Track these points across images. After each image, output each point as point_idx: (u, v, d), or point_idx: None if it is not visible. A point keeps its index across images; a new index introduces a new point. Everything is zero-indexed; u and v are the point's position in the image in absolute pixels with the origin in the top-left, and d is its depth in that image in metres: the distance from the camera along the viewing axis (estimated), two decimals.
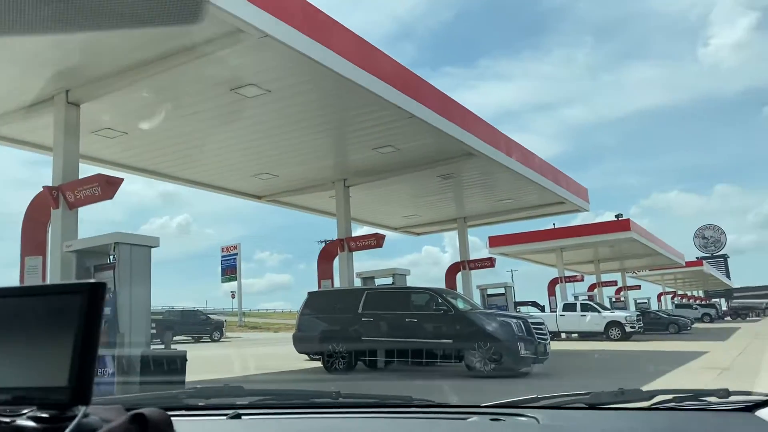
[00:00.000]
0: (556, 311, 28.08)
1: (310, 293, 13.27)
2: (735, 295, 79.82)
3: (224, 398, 1.68)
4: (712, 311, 52.79)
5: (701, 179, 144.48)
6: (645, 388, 1.53)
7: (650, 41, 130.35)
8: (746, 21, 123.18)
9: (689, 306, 52.69)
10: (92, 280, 0.82)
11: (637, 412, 1.41)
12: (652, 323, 32.35)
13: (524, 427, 1.32)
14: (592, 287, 36.91)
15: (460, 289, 20.79)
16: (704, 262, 55.35)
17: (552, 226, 30.66)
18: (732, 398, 1.40)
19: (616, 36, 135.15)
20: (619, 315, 26.61)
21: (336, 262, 15.50)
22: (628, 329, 26.04)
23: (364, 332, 11.93)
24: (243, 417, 1.44)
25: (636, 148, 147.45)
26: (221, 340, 36.86)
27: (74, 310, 0.78)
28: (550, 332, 28.69)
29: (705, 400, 1.43)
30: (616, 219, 28.27)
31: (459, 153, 13.90)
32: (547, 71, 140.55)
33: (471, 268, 21.14)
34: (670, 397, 1.46)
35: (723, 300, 77.14)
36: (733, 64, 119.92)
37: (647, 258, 37.65)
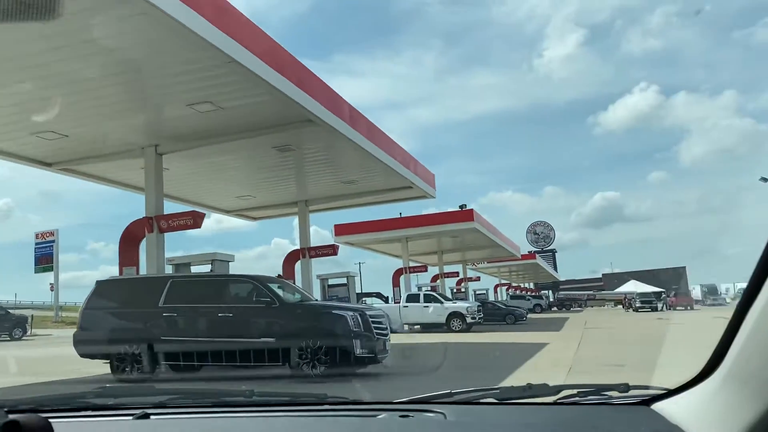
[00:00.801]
0: (399, 302, 27.22)
1: (98, 282, 10.55)
2: (561, 287, 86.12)
3: (134, 397, 1.65)
4: (543, 302, 56.01)
5: (533, 181, 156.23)
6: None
7: (492, 49, 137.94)
8: (576, 36, 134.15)
9: (523, 297, 55.39)
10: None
11: (543, 406, 1.46)
12: (491, 314, 32.81)
13: (431, 423, 1.34)
14: (435, 278, 36.84)
15: (298, 280, 18.87)
16: (536, 255, 58.53)
17: (399, 215, 29.78)
18: (631, 392, 1.47)
19: (462, 42, 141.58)
20: (461, 306, 26.27)
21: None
22: (469, 320, 25.78)
23: (164, 330, 9.54)
24: (151, 417, 1.41)
25: (477, 150, 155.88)
26: (24, 338, 31.75)
27: None
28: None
29: (606, 395, 1.49)
30: (460, 209, 28.00)
31: (296, 119, 11.93)
32: (398, 71, 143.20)
33: (312, 256, 19.28)
34: (574, 391, 1.51)
35: (550, 292, 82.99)
36: (564, 75, 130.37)
37: (487, 250, 38.40)
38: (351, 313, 9.29)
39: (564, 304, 70.49)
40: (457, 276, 37.65)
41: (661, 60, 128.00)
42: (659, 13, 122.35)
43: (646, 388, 1.47)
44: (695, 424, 1.13)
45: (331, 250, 18.95)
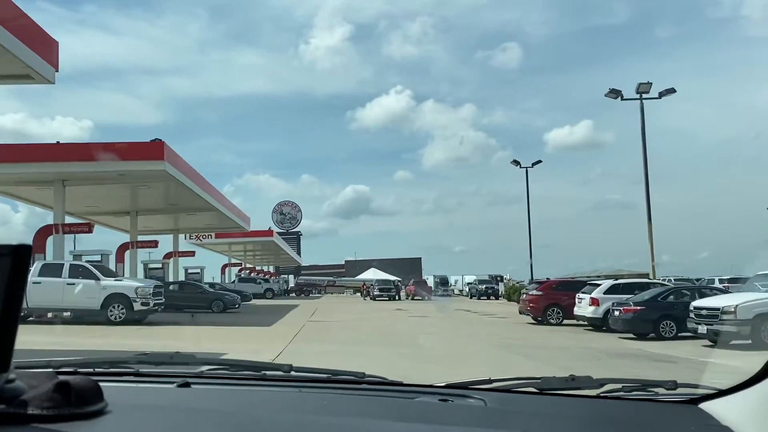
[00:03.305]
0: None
1: None
2: (303, 272, 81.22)
3: (174, 366, 1.65)
4: (275, 287, 49.07)
5: (290, 168, 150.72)
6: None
7: (260, 30, 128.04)
8: (342, 30, 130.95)
9: (253, 280, 47.82)
10: (16, 243, 0.77)
11: (586, 399, 1.41)
12: (190, 299, 24.65)
13: (471, 409, 1.31)
14: (124, 247, 27.00)
15: None
16: (275, 232, 51.34)
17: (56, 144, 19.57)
18: (679, 390, 1.41)
19: (230, 17, 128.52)
20: (126, 285, 17.26)
21: None
22: (138, 306, 16.96)
23: None
24: (192, 386, 1.41)
25: (235, 130, 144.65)
26: None
27: None
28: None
29: (653, 391, 1.44)
30: (150, 142, 18.86)
31: None
32: (157, 35, 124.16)
33: None
34: (619, 386, 1.45)
35: (292, 276, 77.59)
36: (327, 66, 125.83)
37: (206, 215, 29.60)
38: None
39: (303, 290, 65.43)
40: (155, 247, 28.29)
41: (416, 67, 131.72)
42: (418, 23, 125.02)
43: (696, 386, 1.42)
44: (747, 426, 1.10)
45: None
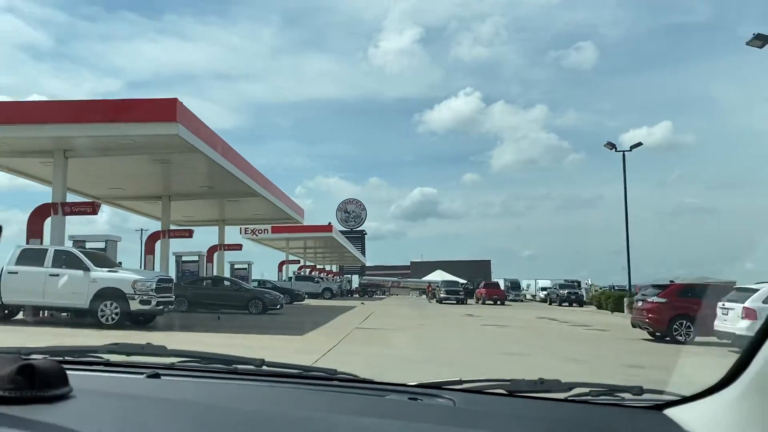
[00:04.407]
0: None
1: None
2: (367, 272, 77.93)
3: (145, 357, 1.63)
4: (334, 287, 45.33)
5: (359, 170, 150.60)
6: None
7: (329, 35, 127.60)
8: (412, 33, 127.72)
9: (311, 279, 44.38)
10: None
11: (554, 402, 1.40)
12: (226, 297, 21.27)
13: (439, 409, 1.32)
14: (154, 237, 23.74)
15: None
16: (334, 227, 47.62)
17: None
18: (645, 396, 1.41)
19: (301, 23, 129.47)
20: (121, 278, 13.49)
21: None
22: (136, 305, 13.25)
23: None
24: (162, 377, 1.40)
25: (307, 133, 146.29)
26: None
27: None
28: None
29: (619, 396, 1.43)
30: (161, 99, 15.15)
31: None
32: (232, 42, 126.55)
33: None
34: (586, 390, 1.45)
35: (357, 276, 74.59)
36: (396, 69, 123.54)
37: (252, 202, 25.92)
38: None
39: (366, 291, 61.93)
40: (189, 236, 24.90)
41: (486, 69, 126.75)
42: (489, 24, 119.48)
43: (661, 392, 1.40)
44: None
45: None
